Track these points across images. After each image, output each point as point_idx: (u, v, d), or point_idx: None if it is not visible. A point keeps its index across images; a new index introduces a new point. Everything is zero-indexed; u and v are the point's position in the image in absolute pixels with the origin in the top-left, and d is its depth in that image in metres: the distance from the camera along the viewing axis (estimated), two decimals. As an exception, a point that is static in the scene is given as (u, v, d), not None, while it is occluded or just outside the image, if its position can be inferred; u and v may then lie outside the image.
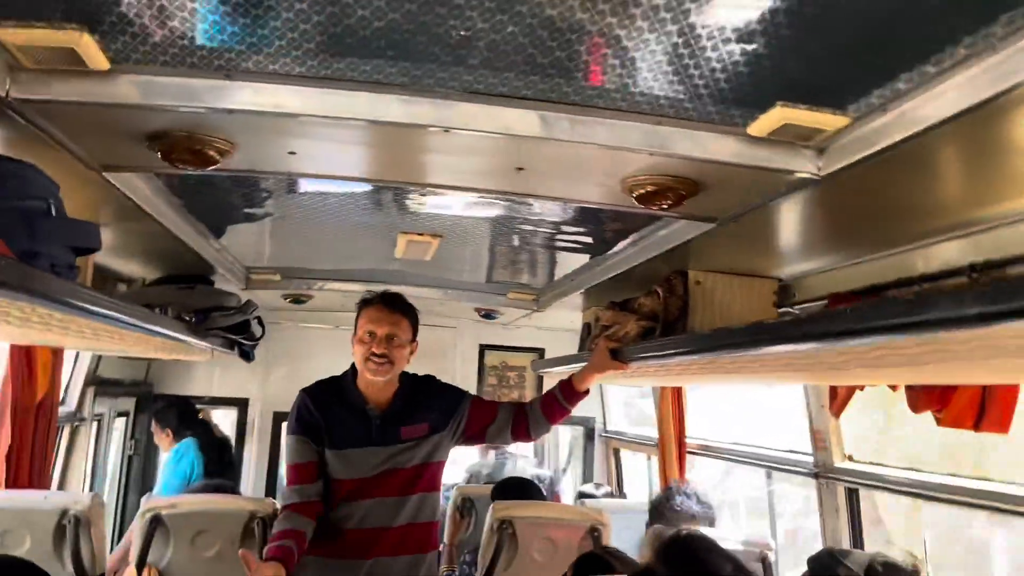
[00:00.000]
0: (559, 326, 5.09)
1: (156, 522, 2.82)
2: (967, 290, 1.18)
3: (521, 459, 5.45)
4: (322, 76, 1.50)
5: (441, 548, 4.00)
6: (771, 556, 3.16)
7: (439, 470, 2.88)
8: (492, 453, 5.23)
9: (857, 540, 2.82)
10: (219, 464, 4.02)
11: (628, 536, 3.67)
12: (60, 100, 1.48)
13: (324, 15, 1.30)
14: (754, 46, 1.32)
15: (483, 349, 5.62)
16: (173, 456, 4.17)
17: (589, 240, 3.04)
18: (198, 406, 4.77)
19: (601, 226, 2.81)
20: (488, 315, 4.89)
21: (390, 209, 2.71)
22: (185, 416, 4.43)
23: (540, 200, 2.26)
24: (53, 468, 3.23)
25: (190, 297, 3.26)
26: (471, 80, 1.51)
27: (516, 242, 3.20)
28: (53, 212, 1.63)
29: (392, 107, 1.57)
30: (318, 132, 1.70)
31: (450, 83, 1.52)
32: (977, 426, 2.08)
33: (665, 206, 1.95)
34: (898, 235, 2.17)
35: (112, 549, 3.98)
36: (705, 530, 3.59)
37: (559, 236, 3.04)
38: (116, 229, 2.75)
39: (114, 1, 1.28)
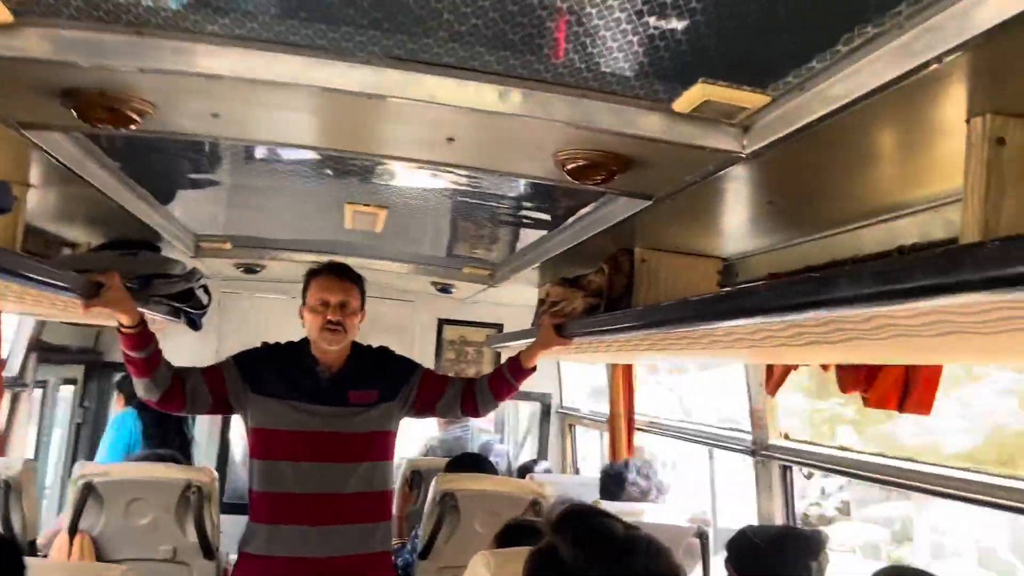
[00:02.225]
0: (518, 302, 5.08)
1: (88, 489, 2.79)
2: (865, 269, 1.19)
3: (482, 433, 5.47)
4: (236, 35, 1.47)
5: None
6: (709, 531, 3.21)
7: (390, 440, 2.89)
8: (452, 427, 5.24)
9: (790, 515, 2.86)
10: (160, 432, 3.95)
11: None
12: (-38, 53, 1.43)
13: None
14: (675, 21, 1.31)
15: (441, 323, 5.60)
16: (112, 424, 4.12)
17: (540, 216, 3.03)
18: None
19: (549, 202, 2.80)
20: (444, 289, 4.88)
21: (336, 179, 2.68)
22: None
23: (475, 172, 2.25)
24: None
25: (132, 264, 3.19)
26: (390, 45, 1.48)
27: (467, 216, 3.18)
28: (-41, 170, 1.58)
29: (312, 71, 1.54)
30: (239, 94, 1.67)
31: (369, 47, 1.50)
32: (901, 407, 2.12)
33: (598, 180, 1.94)
34: (831, 217, 2.19)
35: (57, 515, 3.96)
36: (652, 504, 3.65)
37: (509, 211, 3.02)
38: (51, 192, 2.68)
39: (13, -51, 1.24)
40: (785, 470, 2.88)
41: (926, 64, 1.18)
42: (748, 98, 1.50)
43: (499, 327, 5.52)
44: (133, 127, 1.73)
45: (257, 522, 2.73)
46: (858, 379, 2.17)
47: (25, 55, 1.46)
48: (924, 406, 2.06)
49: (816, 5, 1.22)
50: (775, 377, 2.66)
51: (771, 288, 1.47)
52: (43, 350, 3.94)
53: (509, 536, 2.09)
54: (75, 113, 1.67)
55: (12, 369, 3.67)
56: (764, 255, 2.71)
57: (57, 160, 2.17)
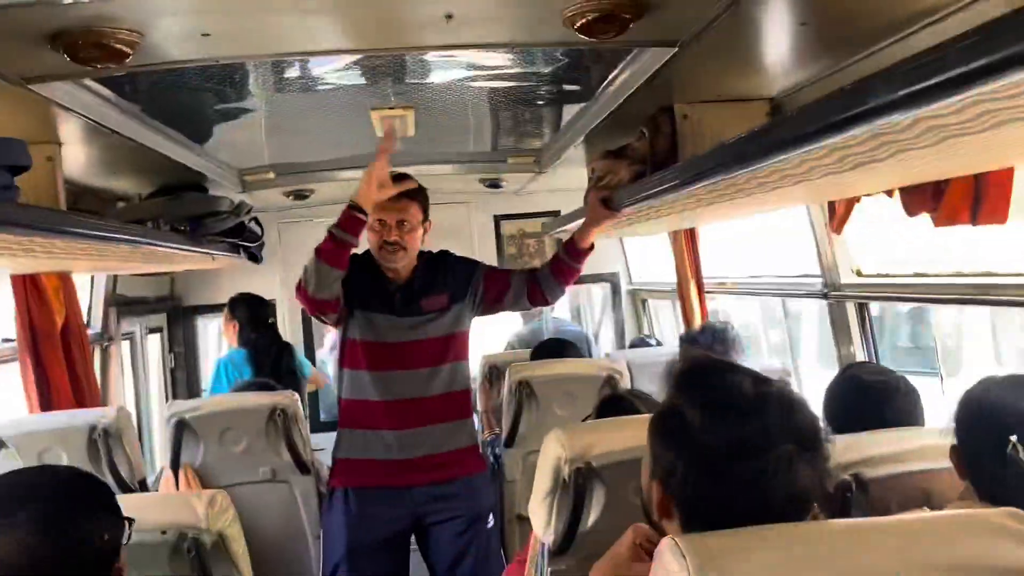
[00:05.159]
0: (572, 186, 4.98)
1: (182, 425, 2.93)
2: (896, 69, 1.07)
3: (558, 321, 5.50)
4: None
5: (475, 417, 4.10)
6: (791, 381, 3.17)
7: (465, 340, 2.96)
8: (529, 321, 5.30)
9: (872, 354, 2.78)
10: (275, 373, 3.91)
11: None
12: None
13: None
14: None
15: (498, 220, 5.59)
16: (219, 366, 4.17)
17: (571, 88, 2.91)
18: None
19: (576, 73, 2.68)
20: (494, 184, 4.82)
21: (356, 88, 2.64)
22: (254, 315, 4.23)
23: (484, 50, 2.14)
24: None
25: (180, 206, 3.25)
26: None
27: (497, 103, 3.10)
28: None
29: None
30: (224, 7, 1.61)
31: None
32: (974, 219, 1.98)
33: (613, 34, 1.83)
34: (876, 28, 1.99)
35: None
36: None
37: (537, 91, 2.92)
38: (85, 148, 2.72)
39: None
40: (861, 308, 2.77)
41: None
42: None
43: (556, 214, 5.45)
44: (127, 61, 1.70)
45: (347, 428, 2.85)
46: (924, 199, 2.04)
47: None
48: (999, 214, 1.92)
49: None
50: (839, 213, 2.54)
51: (803, 112, 1.36)
52: (121, 304, 4.09)
53: (606, 410, 2.09)
54: (67, 57, 1.64)
55: (95, 325, 3.83)
56: (814, 86, 2.52)
57: (78, 113, 2.18)
